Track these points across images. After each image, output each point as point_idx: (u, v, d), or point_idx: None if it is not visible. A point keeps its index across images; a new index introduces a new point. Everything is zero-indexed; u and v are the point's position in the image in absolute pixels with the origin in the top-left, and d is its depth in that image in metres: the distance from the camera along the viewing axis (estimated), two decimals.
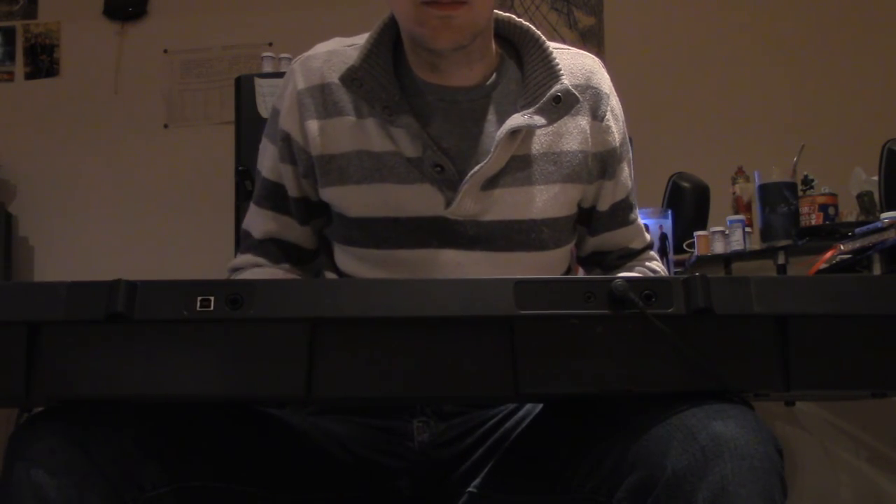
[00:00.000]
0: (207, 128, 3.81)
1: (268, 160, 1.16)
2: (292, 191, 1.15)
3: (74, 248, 3.74)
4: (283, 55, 3.35)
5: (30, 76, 3.93)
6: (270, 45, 3.68)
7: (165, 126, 3.85)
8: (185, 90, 3.86)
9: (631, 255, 1.23)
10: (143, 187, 3.78)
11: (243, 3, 3.87)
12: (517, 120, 1.08)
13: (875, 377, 0.80)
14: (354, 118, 1.10)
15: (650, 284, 0.77)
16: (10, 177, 3.83)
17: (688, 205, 2.93)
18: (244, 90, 3.04)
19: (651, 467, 0.79)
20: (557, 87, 1.10)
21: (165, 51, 3.87)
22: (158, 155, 3.79)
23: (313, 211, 1.16)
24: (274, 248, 1.17)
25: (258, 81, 3.01)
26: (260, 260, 1.17)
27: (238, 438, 0.96)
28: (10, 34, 3.95)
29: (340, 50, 1.14)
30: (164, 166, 3.78)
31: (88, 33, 3.91)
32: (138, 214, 3.76)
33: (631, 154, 1.20)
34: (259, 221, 1.18)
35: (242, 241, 1.20)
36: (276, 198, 1.16)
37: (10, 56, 3.94)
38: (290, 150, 1.13)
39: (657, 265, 1.23)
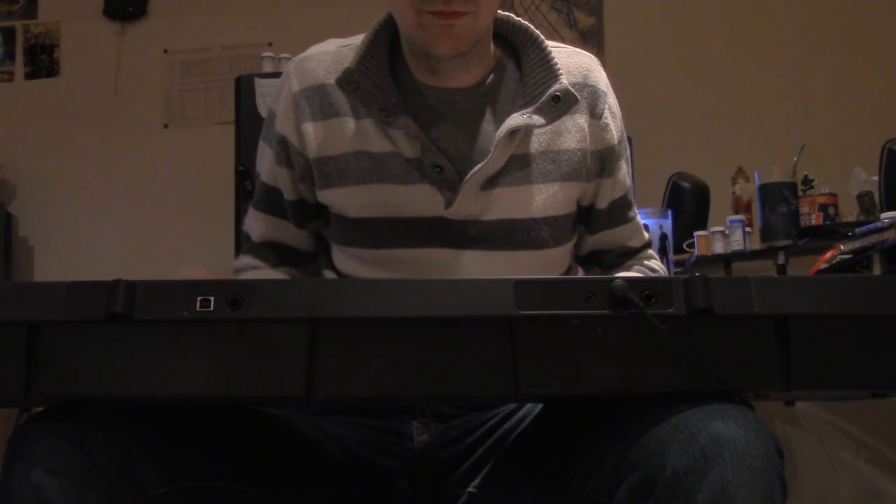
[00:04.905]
0: (207, 128, 3.81)
1: (265, 163, 1.17)
2: (288, 194, 1.15)
3: (74, 248, 3.74)
4: (283, 55, 3.35)
5: (30, 76, 3.93)
6: (270, 45, 3.68)
7: (165, 126, 3.85)
8: (185, 90, 3.86)
9: (630, 254, 1.23)
10: (143, 187, 3.78)
11: (243, 3, 3.87)
12: (516, 119, 1.08)
13: (875, 377, 0.80)
14: (352, 119, 1.10)
15: (650, 284, 0.77)
16: (10, 177, 3.83)
17: (688, 205, 2.93)
18: (244, 90, 3.04)
19: (651, 467, 0.78)
20: (556, 86, 1.10)
21: (165, 51, 3.88)
22: (158, 155, 3.79)
23: (310, 214, 1.16)
24: (271, 252, 1.18)
25: (258, 81, 3.02)
26: (259, 263, 1.18)
27: (238, 438, 0.96)
28: (10, 34, 3.95)
29: (336, 51, 1.14)
30: (164, 166, 3.78)
31: (88, 33, 3.91)
32: (138, 214, 3.76)
33: (629, 152, 1.21)
34: (256, 225, 1.19)
35: (243, 243, 1.22)
36: (272, 201, 1.17)
37: (10, 56, 3.94)
38: (286, 153, 1.13)
39: (656, 264, 1.23)
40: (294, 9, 3.80)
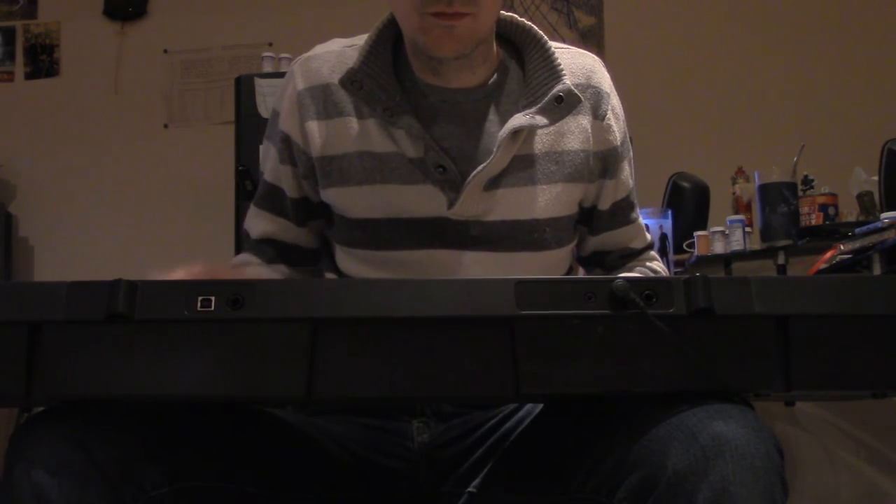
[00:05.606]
0: (207, 128, 3.81)
1: (269, 162, 1.17)
2: (291, 192, 1.15)
3: (74, 248, 3.74)
4: (283, 55, 3.35)
5: (30, 76, 3.93)
6: (270, 45, 3.68)
7: (165, 126, 3.85)
8: (185, 90, 3.86)
9: (632, 255, 1.23)
10: (143, 187, 3.78)
11: (243, 3, 3.87)
12: (519, 120, 1.08)
13: (875, 377, 0.80)
14: (355, 119, 1.10)
15: (651, 284, 0.77)
16: (10, 177, 3.83)
17: (688, 205, 2.93)
18: (244, 90, 3.04)
19: (652, 467, 0.78)
20: (559, 87, 1.10)
21: (165, 51, 3.88)
22: (158, 155, 3.80)
23: (312, 212, 1.16)
24: (269, 249, 1.18)
25: (258, 81, 3.02)
26: (254, 259, 1.18)
27: (238, 438, 0.95)
28: (10, 34, 3.95)
29: (340, 51, 1.14)
30: (164, 166, 3.78)
31: (88, 33, 3.91)
32: (138, 214, 3.76)
33: (631, 153, 1.21)
34: (256, 222, 1.19)
35: (244, 242, 1.22)
36: (273, 200, 1.17)
37: (10, 56, 3.94)
38: (289, 151, 1.14)
39: (658, 265, 1.23)
40: (294, 9, 3.80)
